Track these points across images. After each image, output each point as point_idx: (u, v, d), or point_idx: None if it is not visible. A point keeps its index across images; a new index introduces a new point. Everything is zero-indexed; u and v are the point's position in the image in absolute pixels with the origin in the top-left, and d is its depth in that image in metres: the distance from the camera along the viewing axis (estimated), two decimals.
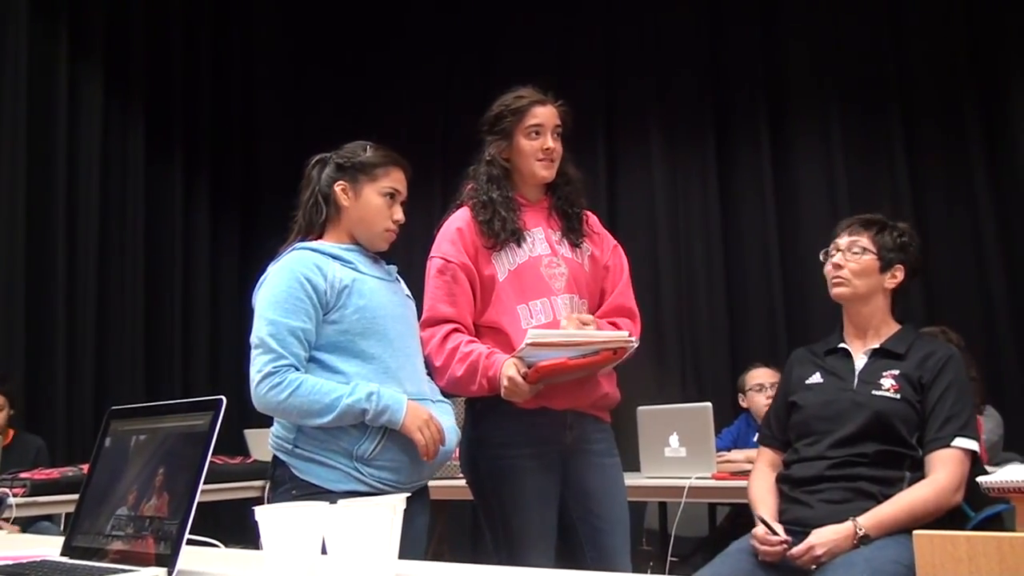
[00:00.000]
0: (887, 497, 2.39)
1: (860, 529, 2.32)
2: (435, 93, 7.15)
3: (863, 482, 2.43)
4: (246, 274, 7.26)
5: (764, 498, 2.59)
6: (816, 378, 2.66)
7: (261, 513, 1.28)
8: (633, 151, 6.37)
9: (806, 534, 2.37)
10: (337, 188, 2.47)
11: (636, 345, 2.48)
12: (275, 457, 2.40)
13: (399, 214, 2.49)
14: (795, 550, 2.34)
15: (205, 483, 4.81)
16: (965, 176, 5.29)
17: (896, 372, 2.54)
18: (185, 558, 1.41)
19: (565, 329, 2.50)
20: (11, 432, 5.18)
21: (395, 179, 2.48)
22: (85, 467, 3.72)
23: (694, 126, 6.19)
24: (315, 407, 2.25)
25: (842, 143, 5.66)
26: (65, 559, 1.64)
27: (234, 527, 5.40)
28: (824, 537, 2.33)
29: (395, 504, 1.26)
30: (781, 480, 2.60)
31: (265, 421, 4.77)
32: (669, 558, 3.54)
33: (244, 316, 7.09)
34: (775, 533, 2.39)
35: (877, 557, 2.23)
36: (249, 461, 4.90)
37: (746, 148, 6.03)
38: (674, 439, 3.66)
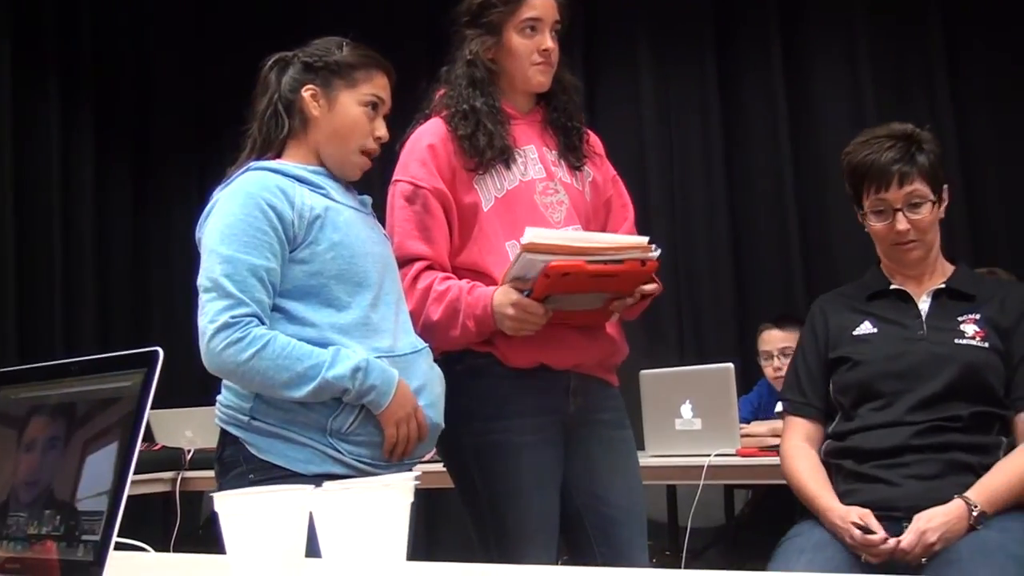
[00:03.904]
0: (986, 468, 2.33)
1: (975, 507, 2.25)
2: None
3: (957, 451, 2.35)
4: (141, 225, 7.07)
5: (818, 480, 2.47)
6: (867, 327, 2.57)
7: (224, 503, 1.11)
8: (616, 64, 6.21)
9: (892, 519, 2.29)
10: (305, 93, 2.31)
11: (657, 255, 2.33)
12: (224, 432, 2.23)
13: (382, 129, 2.35)
14: (905, 542, 2.24)
15: None
16: (1019, 97, 5.18)
17: (976, 316, 2.48)
18: (109, 568, 1.23)
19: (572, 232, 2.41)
20: None
21: (378, 85, 2.35)
22: None
23: (689, 33, 6.03)
24: (285, 375, 2.09)
25: (869, 55, 5.53)
26: None
27: (138, 528, 5.23)
28: (935, 521, 2.24)
29: (408, 485, 1.09)
30: (836, 454, 2.51)
31: (172, 401, 4.65)
32: (684, 554, 3.43)
33: (141, 277, 7.02)
34: (870, 531, 2.27)
35: (1010, 541, 2.18)
36: (156, 448, 4.73)
37: (753, 61, 5.88)
38: (687, 409, 3.56)
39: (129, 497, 3.91)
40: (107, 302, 6.81)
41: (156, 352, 1.31)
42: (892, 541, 2.24)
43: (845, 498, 2.39)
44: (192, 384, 3.87)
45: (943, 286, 2.54)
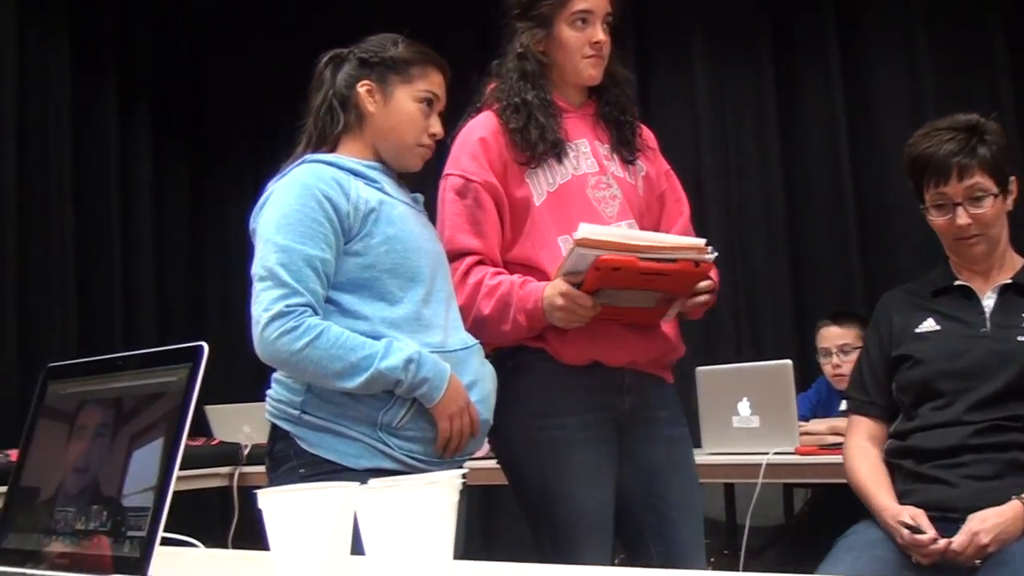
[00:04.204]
0: None
1: None
2: None
3: (1017, 451, 2.30)
4: (198, 219, 7.11)
5: (876, 479, 2.42)
6: (930, 324, 2.52)
7: (268, 500, 1.09)
8: (670, 59, 6.15)
9: (949, 520, 2.24)
10: (361, 89, 2.31)
11: (714, 256, 2.29)
12: (275, 427, 2.22)
13: (437, 126, 2.35)
14: (956, 543, 2.19)
15: None
16: None
17: None
18: (157, 563, 1.22)
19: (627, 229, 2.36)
20: None
21: (434, 82, 2.34)
22: (13, 454, 3.57)
23: (745, 27, 5.94)
24: (338, 365, 2.08)
25: (930, 51, 5.42)
26: None
27: (197, 523, 5.25)
28: (988, 522, 2.19)
29: (455, 483, 1.06)
30: (896, 454, 2.46)
31: (231, 395, 4.65)
32: (743, 553, 3.38)
33: (198, 271, 7.06)
34: (920, 531, 2.21)
35: None
36: (213, 443, 4.75)
37: (811, 55, 5.79)
38: (744, 406, 3.51)
39: (187, 492, 3.93)
40: (165, 299, 6.85)
41: (201, 347, 1.30)
42: (942, 542, 2.19)
43: (904, 498, 2.34)
44: (249, 379, 3.87)
45: (1010, 281, 2.48)
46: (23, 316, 6.00)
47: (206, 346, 1.29)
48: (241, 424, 4.78)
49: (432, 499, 1.00)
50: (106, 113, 6.65)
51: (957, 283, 2.52)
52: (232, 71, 7.31)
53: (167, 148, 7.04)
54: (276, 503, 1.08)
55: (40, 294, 6.13)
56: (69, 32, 6.43)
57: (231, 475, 4.55)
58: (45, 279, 6.17)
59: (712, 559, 4.00)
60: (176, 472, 1.24)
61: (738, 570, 3.38)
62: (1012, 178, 2.47)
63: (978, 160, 2.40)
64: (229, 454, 4.61)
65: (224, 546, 4.52)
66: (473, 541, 5.98)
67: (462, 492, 2.19)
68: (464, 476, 1.42)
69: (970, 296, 2.50)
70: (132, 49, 6.87)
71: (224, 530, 4.45)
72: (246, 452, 4.54)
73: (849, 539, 2.37)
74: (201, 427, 5.16)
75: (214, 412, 5.16)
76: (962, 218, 2.42)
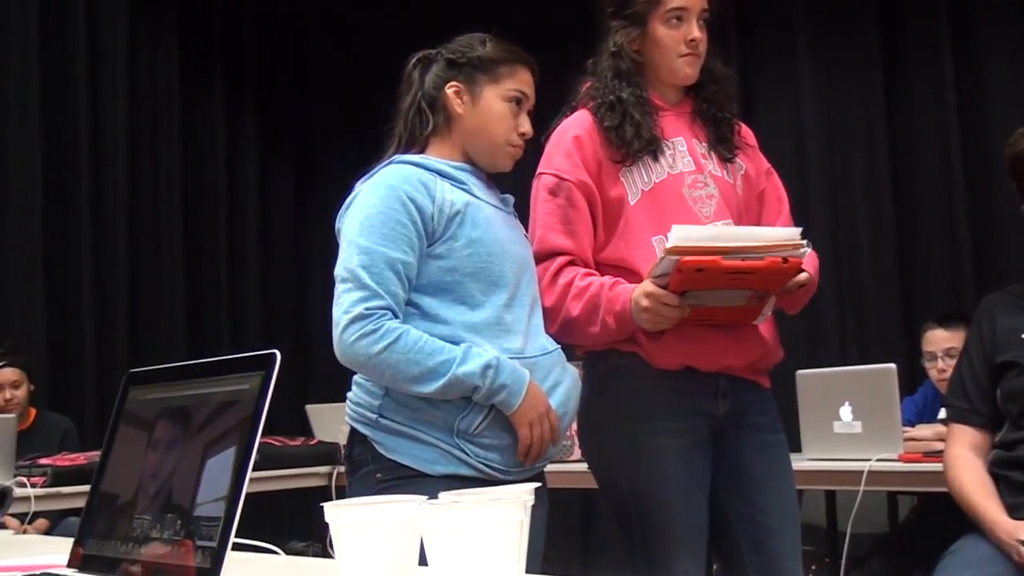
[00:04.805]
0: None
1: None
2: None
3: None
4: (302, 220, 7.17)
5: (984, 491, 2.32)
6: None
7: (333, 513, 1.06)
8: (774, 49, 6.05)
9: None
10: (449, 90, 2.27)
11: (807, 252, 2.21)
12: (353, 431, 2.22)
13: (526, 125, 2.30)
14: None
15: (258, 470, 4.67)
16: None
17: None
18: (231, 569, 1.19)
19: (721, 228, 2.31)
20: (32, 412, 5.16)
21: (522, 80, 2.29)
22: None
23: (853, 19, 5.79)
24: (415, 370, 2.06)
25: None
26: (71, 572, 1.44)
27: (295, 523, 5.30)
28: None
29: (524, 499, 1.01)
30: (1004, 465, 2.34)
31: (331, 395, 4.67)
32: (843, 561, 3.28)
33: (302, 269, 7.13)
34: None
35: None
36: (312, 443, 4.78)
37: (920, 44, 5.64)
38: (846, 411, 3.44)
39: (287, 491, 3.93)
40: (270, 294, 6.95)
41: (274, 355, 1.28)
42: None
43: (1013, 512, 2.23)
44: (350, 378, 3.89)
45: None
46: (132, 322, 6.13)
47: (279, 354, 1.27)
48: (340, 424, 4.78)
49: (496, 517, 0.96)
50: (213, 114, 6.80)
51: None
52: (335, 70, 7.38)
53: (272, 144, 7.16)
54: (340, 516, 1.05)
55: (150, 299, 6.27)
56: (178, 35, 6.56)
57: (330, 475, 4.57)
58: (156, 284, 6.31)
59: (813, 567, 3.90)
60: (247, 481, 1.22)
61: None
62: None
63: None
64: (329, 454, 4.63)
65: (323, 544, 4.55)
66: (572, 541, 5.95)
67: (543, 499, 2.15)
68: (542, 486, 1.39)
69: None
70: (238, 50, 6.99)
71: (325, 530, 4.47)
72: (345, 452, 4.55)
73: (959, 555, 2.27)
74: (302, 426, 5.20)
75: (314, 412, 5.19)
76: None
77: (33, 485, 3.88)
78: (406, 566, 1.06)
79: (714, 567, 2.64)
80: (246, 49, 7.04)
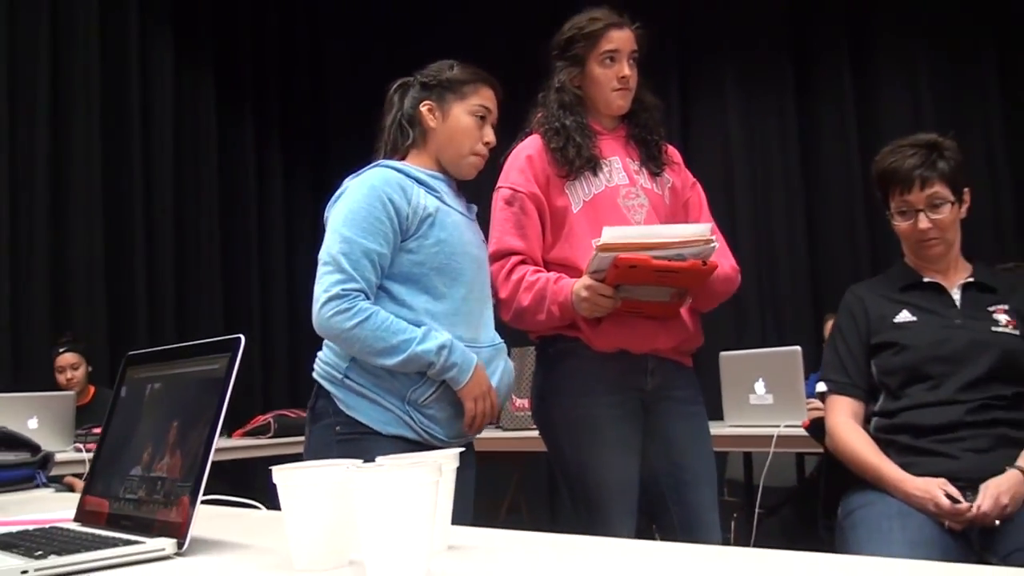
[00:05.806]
0: None
1: None
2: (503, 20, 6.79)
3: (1004, 427, 2.13)
4: (322, 229, 7.09)
5: (878, 452, 2.23)
6: (906, 316, 2.33)
7: (280, 475, 1.00)
8: (707, 78, 6.00)
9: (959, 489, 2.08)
10: (423, 108, 2.22)
11: (716, 247, 2.14)
12: (319, 386, 2.14)
13: (490, 136, 2.24)
14: (984, 506, 2.03)
15: (279, 436, 4.55)
16: None
17: (1005, 307, 2.28)
18: (213, 523, 1.13)
19: (643, 227, 2.24)
20: (91, 389, 5.11)
21: (485, 97, 2.23)
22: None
23: (771, 68, 5.79)
24: (380, 345, 2.00)
25: (929, 73, 5.23)
26: (75, 525, 1.37)
27: None
28: (1003, 486, 2.04)
29: (441, 463, 0.94)
30: (888, 430, 2.26)
31: None
32: (757, 510, 3.22)
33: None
34: (957, 501, 2.06)
35: None
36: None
37: (826, 74, 5.65)
38: (760, 385, 3.40)
39: (291, 456, 3.78)
40: (294, 289, 6.89)
41: (238, 339, 1.21)
42: (975, 506, 2.03)
43: (906, 470, 2.16)
44: None
45: (971, 280, 2.33)
46: (180, 309, 6.12)
47: (243, 338, 1.21)
48: None
49: (412, 478, 0.89)
50: (245, 137, 6.80)
51: (926, 279, 2.36)
52: (351, 100, 7.31)
53: (296, 167, 7.14)
54: (285, 478, 0.99)
55: (193, 294, 6.26)
56: (214, 72, 6.55)
57: None
58: (197, 283, 6.30)
59: (735, 515, 3.84)
60: (214, 448, 1.15)
61: (753, 523, 3.22)
62: (966, 189, 2.32)
63: (938, 173, 2.26)
64: None
65: None
66: (540, 498, 5.89)
67: (471, 463, 2.10)
68: (467, 451, 1.32)
69: (941, 291, 2.33)
70: (265, 83, 6.98)
71: None
72: None
73: (871, 510, 2.15)
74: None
75: None
76: (923, 223, 2.27)
77: (88, 451, 3.83)
78: (340, 520, 0.99)
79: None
80: (272, 87, 7.02)
